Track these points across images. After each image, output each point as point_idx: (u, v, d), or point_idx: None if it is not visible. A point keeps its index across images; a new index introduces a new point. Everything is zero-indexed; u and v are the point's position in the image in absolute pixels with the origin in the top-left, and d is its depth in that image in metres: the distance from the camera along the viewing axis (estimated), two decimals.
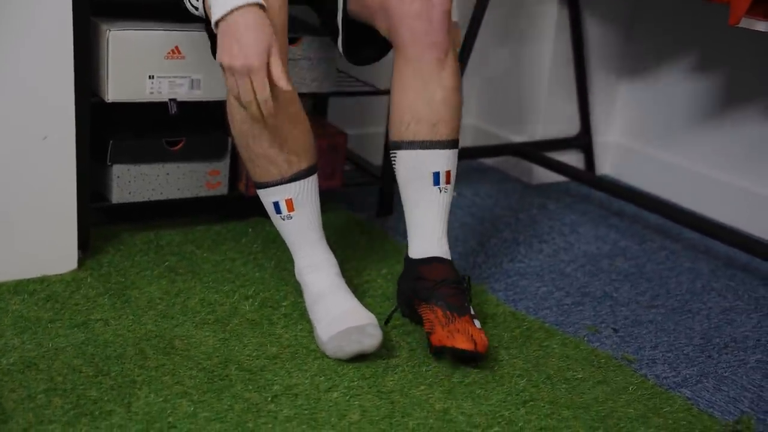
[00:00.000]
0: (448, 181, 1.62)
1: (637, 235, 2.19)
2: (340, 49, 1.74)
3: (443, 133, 1.60)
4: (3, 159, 1.61)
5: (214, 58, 1.55)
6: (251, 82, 1.42)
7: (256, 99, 1.43)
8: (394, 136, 1.63)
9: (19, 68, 1.59)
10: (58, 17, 1.59)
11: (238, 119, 1.55)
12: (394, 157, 1.63)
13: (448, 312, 1.54)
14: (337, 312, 1.57)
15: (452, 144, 1.61)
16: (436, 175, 1.60)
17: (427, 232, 1.63)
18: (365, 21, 1.69)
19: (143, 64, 1.76)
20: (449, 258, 1.63)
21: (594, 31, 2.48)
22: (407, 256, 1.65)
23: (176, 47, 1.78)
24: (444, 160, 1.61)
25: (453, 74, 1.60)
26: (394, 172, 1.66)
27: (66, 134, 1.66)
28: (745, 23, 1.72)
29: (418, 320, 1.63)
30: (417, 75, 1.58)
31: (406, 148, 1.61)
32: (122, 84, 1.75)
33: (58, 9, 1.59)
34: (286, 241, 1.65)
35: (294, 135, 1.56)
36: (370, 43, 1.75)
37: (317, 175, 1.62)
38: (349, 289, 1.63)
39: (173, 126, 1.90)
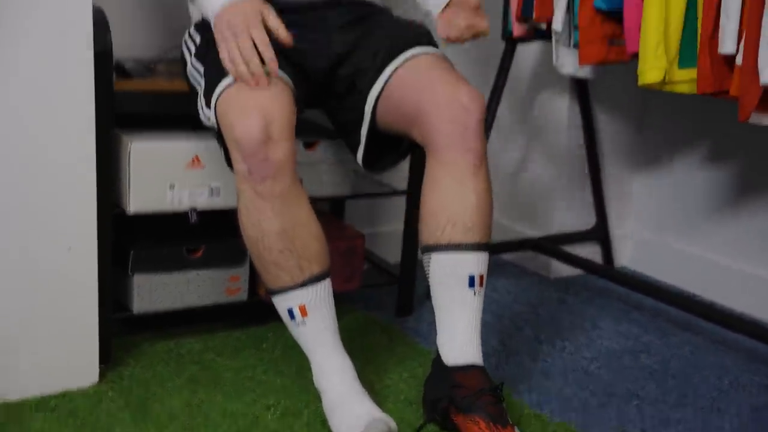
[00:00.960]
0: (481, 284, 1.63)
1: (659, 329, 2.17)
2: (360, 161, 1.76)
3: (478, 237, 1.62)
4: (27, 271, 1.62)
5: (229, 167, 1.58)
6: (252, 40, 1.55)
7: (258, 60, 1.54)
8: (429, 239, 1.64)
9: (44, 181, 1.61)
10: (81, 130, 1.62)
11: (248, 225, 1.57)
12: (428, 259, 1.64)
13: (491, 424, 1.52)
14: (353, 420, 1.55)
15: (485, 247, 1.63)
16: (471, 279, 1.61)
17: (463, 337, 1.62)
18: (395, 131, 1.73)
19: (164, 175, 1.78)
20: (483, 365, 1.62)
21: (606, 123, 2.50)
22: (439, 360, 1.64)
23: (196, 157, 1.81)
24: (478, 263, 1.62)
25: (487, 179, 1.64)
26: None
27: (88, 246, 1.67)
28: (755, 119, 1.74)
29: (452, 429, 1.60)
30: (452, 179, 1.62)
31: (442, 251, 1.62)
32: (143, 195, 1.77)
33: (81, 122, 1.62)
34: (302, 347, 1.64)
35: (305, 240, 1.58)
36: (389, 151, 1.78)
37: (332, 278, 1.62)
38: (367, 395, 1.61)
39: (193, 233, 1.91)
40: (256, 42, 1.56)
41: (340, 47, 1.76)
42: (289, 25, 1.71)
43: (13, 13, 1.52)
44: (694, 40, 1.76)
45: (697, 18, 1.75)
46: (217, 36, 1.60)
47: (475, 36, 1.69)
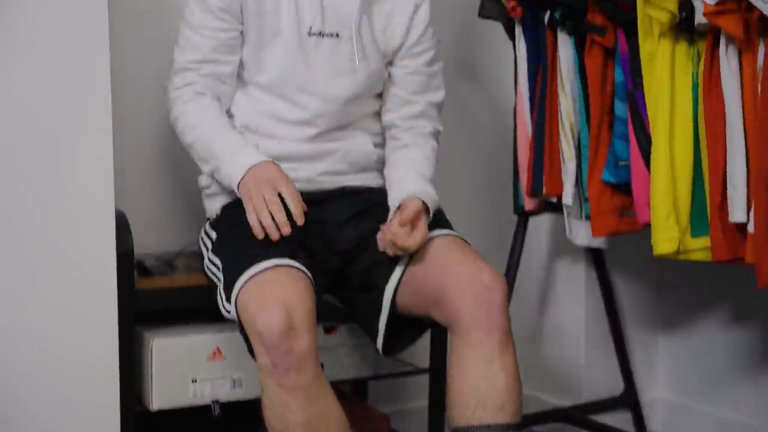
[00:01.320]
0: None
1: None
2: (380, 347, 1.77)
3: (509, 417, 1.60)
4: None
5: (252, 356, 1.59)
6: (278, 195, 1.65)
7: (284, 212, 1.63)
8: (459, 420, 1.62)
9: (67, 381, 1.61)
10: (104, 330, 1.64)
11: (272, 417, 1.57)
12: None
13: None
14: None
15: (517, 426, 1.62)
16: None
17: None
18: (416, 313, 1.74)
19: (186, 370, 1.78)
20: None
21: (624, 287, 2.51)
22: None
23: (217, 349, 1.81)
24: None
25: (514, 356, 1.64)
26: None
27: None
28: None
29: None
30: (479, 358, 1.62)
31: None
32: (165, 391, 1.77)
33: (104, 322, 1.64)
34: None
35: (330, 430, 1.56)
36: (406, 332, 1.79)
37: None
38: None
39: (216, 426, 1.89)
40: (285, 194, 1.67)
41: (349, 243, 1.80)
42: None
43: (38, 229, 1.57)
44: (704, 209, 1.79)
45: (704, 188, 1.79)
46: (244, 196, 1.69)
47: (402, 250, 1.71)
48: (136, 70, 2.01)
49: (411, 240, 1.70)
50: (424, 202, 1.75)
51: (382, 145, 1.94)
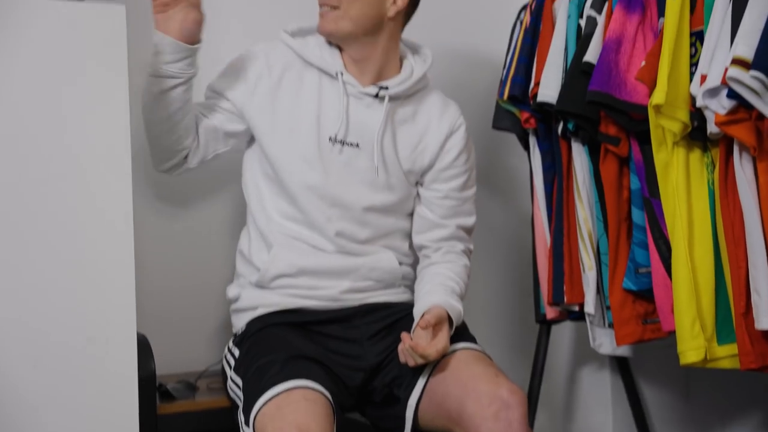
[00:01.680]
0: None
1: None
2: None
3: None
4: None
5: None
6: None
7: None
8: None
9: None
10: None
11: None
12: None
13: None
14: None
15: None
16: None
17: None
18: (437, 427, 1.72)
19: None
20: None
21: (651, 394, 2.46)
22: None
23: None
24: None
25: None
26: None
27: None
28: None
29: None
30: None
31: None
32: None
33: None
34: None
35: None
36: None
37: None
38: None
39: None
40: None
41: (373, 358, 1.80)
42: (322, 337, 1.76)
43: (61, 353, 1.57)
44: (729, 316, 1.77)
45: (728, 295, 1.77)
46: None
47: (423, 358, 1.70)
48: (158, 189, 2.04)
49: (431, 348, 1.69)
50: (447, 313, 1.75)
51: (409, 264, 1.94)
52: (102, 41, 1.60)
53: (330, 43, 1.87)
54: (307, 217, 1.83)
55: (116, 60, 1.60)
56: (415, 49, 1.96)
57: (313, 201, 1.82)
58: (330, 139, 1.82)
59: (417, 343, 1.68)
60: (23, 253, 1.53)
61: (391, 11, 1.84)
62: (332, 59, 1.85)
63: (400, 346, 1.71)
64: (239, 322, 1.88)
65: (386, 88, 1.85)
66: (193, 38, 1.73)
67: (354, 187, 1.84)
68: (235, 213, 2.08)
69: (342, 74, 1.84)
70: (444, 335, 1.73)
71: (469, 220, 1.98)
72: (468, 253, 1.98)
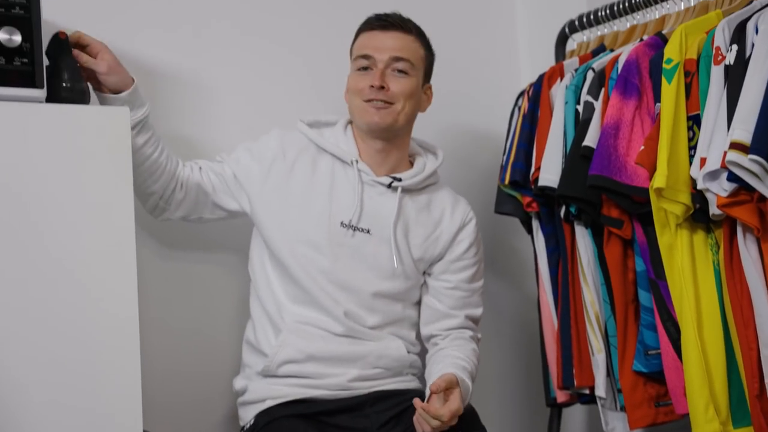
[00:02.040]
0: None
1: None
2: None
3: None
4: None
5: None
6: None
7: None
8: None
9: None
10: None
11: None
12: None
13: None
14: None
15: None
16: None
17: None
18: None
19: None
20: None
21: None
22: None
23: None
24: None
25: None
26: None
27: None
28: None
29: None
30: None
31: None
32: None
33: None
34: None
35: None
36: None
37: None
38: None
39: None
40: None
41: None
42: (332, 428, 1.74)
43: None
44: (744, 398, 1.75)
45: (740, 376, 1.76)
46: None
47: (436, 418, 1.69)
48: (162, 310, 2.04)
49: (444, 409, 1.68)
50: (458, 380, 1.75)
51: (416, 352, 1.94)
52: (107, 142, 1.62)
53: (345, 130, 1.94)
54: (316, 300, 1.84)
55: (121, 160, 1.63)
56: (428, 148, 2.03)
57: (322, 284, 1.84)
58: (342, 224, 1.85)
59: (430, 405, 1.68)
60: (29, 351, 1.53)
61: (424, 107, 1.97)
62: (348, 147, 1.91)
63: (415, 416, 1.71)
64: (247, 415, 1.86)
65: (400, 179, 1.90)
66: (116, 87, 1.77)
67: (362, 273, 1.86)
68: (240, 301, 2.07)
69: (357, 162, 1.88)
70: (456, 398, 1.72)
71: (477, 311, 1.99)
72: (476, 340, 1.98)
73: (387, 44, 1.88)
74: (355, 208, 1.85)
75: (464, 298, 1.95)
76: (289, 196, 1.86)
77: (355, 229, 1.85)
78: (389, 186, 1.89)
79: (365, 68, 1.88)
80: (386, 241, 1.87)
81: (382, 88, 1.85)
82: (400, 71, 1.88)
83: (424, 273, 1.95)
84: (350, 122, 1.96)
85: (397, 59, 1.87)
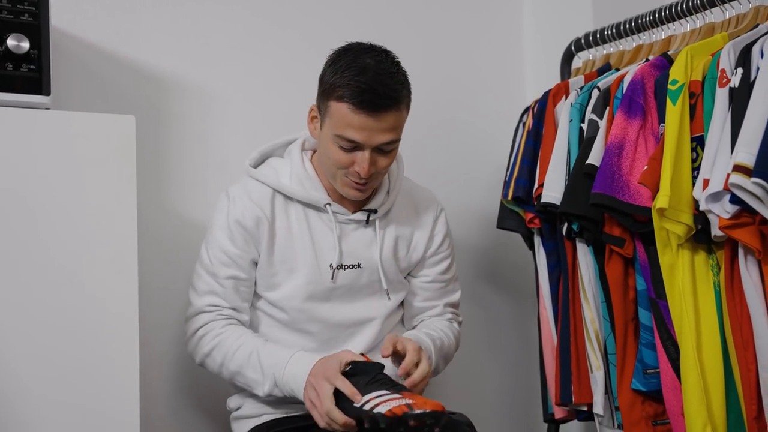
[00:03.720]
0: None
1: None
2: None
3: None
4: None
5: None
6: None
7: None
8: None
9: None
10: None
11: None
12: None
13: None
14: None
15: None
16: None
17: None
18: None
19: None
20: None
21: None
22: None
23: None
24: None
25: None
26: None
27: None
28: None
29: None
30: None
31: None
32: None
33: None
34: None
35: None
36: None
37: None
38: None
39: None
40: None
41: None
42: None
43: None
44: (741, 420, 1.75)
45: (739, 398, 1.75)
46: (308, 406, 1.68)
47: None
48: (164, 311, 2.04)
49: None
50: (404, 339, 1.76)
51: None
52: (112, 150, 1.63)
53: (304, 165, 1.84)
54: (316, 338, 1.84)
55: (125, 168, 1.63)
56: None
57: (319, 327, 1.83)
58: (331, 266, 1.83)
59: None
60: (30, 359, 1.53)
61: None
62: (317, 192, 1.83)
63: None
64: (240, 430, 1.85)
65: (375, 211, 1.86)
66: None
67: (360, 307, 1.85)
68: None
69: (330, 205, 1.83)
70: (410, 352, 1.72)
71: (455, 297, 2.02)
72: (456, 321, 2.01)
73: (378, 131, 1.70)
74: (338, 252, 1.82)
75: (442, 288, 1.97)
76: (276, 254, 1.82)
77: (345, 268, 1.84)
78: (367, 221, 1.86)
79: (350, 149, 1.73)
80: (376, 271, 1.86)
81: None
82: (389, 150, 1.75)
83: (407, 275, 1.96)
84: (305, 146, 1.88)
85: (389, 143, 1.74)
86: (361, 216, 1.85)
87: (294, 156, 1.86)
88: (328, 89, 1.72)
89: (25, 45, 1.61)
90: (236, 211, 1.79)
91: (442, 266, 1.97)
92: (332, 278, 1.82)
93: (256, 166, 1.88)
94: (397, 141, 1.75)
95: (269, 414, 1.82)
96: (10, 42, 1.59)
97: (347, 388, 1.62)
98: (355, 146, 1.72)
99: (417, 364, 1.71)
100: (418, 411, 1.55)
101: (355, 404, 1.61)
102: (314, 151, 1.88)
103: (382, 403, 1.58)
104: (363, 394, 1.61)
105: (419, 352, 1.72)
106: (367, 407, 1.59)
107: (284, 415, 1.82)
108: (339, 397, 1.64)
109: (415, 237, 1.93)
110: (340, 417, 1.61)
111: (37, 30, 1.63)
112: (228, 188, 1.85)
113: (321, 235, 1.83)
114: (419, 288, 1.96)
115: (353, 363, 1.67)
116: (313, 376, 1.67)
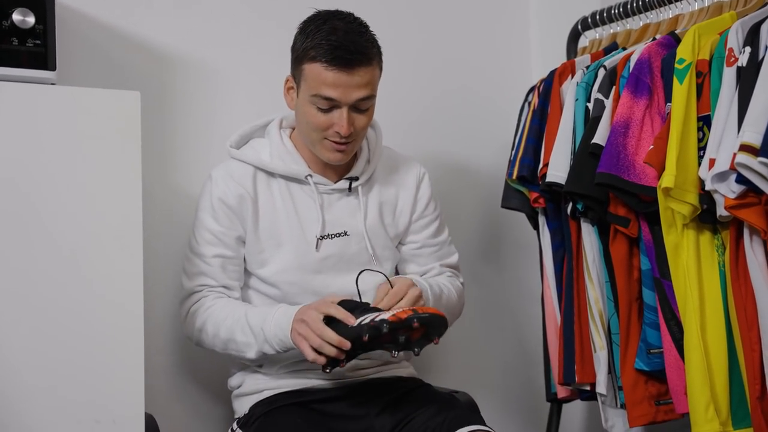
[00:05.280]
0: None
1: None
2: None
3: None
4: None
5: None
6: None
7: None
8: None
9: None
10: None
11: None
12: None
13: None
14: None
15: None
16: None
17: None
18: None
19: None
20: None
21: None
22: None
23: None
24: None
25: None
26: None
27: None
28: None
29: None
30: None
31: None
32: None
33: None
34: None
35: None
36: None
37: None
38: None
39: None
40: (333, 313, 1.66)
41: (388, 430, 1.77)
42: (329, 417, 1.75)
43: None
44: (744, 399, 1.75)
45: (742, 377, 1.76)
46: (297, 342, 1.69)
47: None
48: (168, 287, 2.05)
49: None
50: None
51: None
52: (117, 125, 1.63)
53: (282, 140, 1.87)
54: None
55: (130, 143, 1.63)
56: None
57: (313, 299, 1.82)
58: (317, 237, 1.84)
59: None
60: (34, 333, 1.54)
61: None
62: (297, 165, 1.85)
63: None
64: (242, 407, 1.86)
65: (356, 178, 1.88)
66: None
67: (351, 273, 1.84)
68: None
69: (311, 176, 1.85)
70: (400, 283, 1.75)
71: (452, 259, 2.02)
72: (457, 279, 2.01)
73: (353, 87, 1.73)
74: (321, 221, 1.83)
75: (435, 253, 1.98)
76: (262, 231, 1.83)
77: (332, 237, 1.85)
78: (349, 189, 1.87)
79: (327, 109, 1.75)
80: (364, 238, 1.87)
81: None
82: (365, 108, 1.78)
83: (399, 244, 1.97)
84: (282, 125, 1.90)
85: (364, 99, 1.75)
86: (343, 185, 1.87)
87: (272, 134, 1.89)
88: (301, 54, 1.76)
89: (31, 20, 1.61)
90: (218, 190, 1.83)
91: (429, 230, 1.97)
92: (316, 248, 1.83)
93: (237, 148, 1.90)
94: (372, 97, 1.78)
95: (270, 390, 1.83)
96: (16, 17, 1.59)
97: (339, 312, 1.64)
98: (332, 105, 1.74)
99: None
100: (423, 313, 1.58)
101: (349, 326, 1.62)
102: (293, 129, 1.91)
103: (380, 315, 1.61)
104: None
105: (410, 284, 1.74)
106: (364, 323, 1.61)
107: (284, 390, 1.82)
108: (331, 326, 1.64)
109: (400, 202, 1.94)
110: (333, 336, 1.62)
111: (43, 5, 1.63)
112: (210, 171, 1.87)
113: (305, 208, 1.85)
114: (412, 255, 1.96)
115: (342, 301, 1.68)
116: (300, 314, 1.69)
